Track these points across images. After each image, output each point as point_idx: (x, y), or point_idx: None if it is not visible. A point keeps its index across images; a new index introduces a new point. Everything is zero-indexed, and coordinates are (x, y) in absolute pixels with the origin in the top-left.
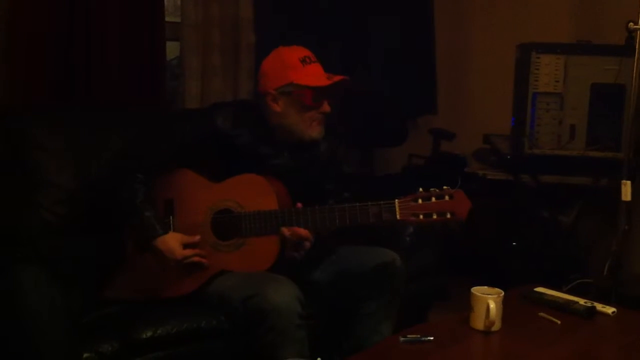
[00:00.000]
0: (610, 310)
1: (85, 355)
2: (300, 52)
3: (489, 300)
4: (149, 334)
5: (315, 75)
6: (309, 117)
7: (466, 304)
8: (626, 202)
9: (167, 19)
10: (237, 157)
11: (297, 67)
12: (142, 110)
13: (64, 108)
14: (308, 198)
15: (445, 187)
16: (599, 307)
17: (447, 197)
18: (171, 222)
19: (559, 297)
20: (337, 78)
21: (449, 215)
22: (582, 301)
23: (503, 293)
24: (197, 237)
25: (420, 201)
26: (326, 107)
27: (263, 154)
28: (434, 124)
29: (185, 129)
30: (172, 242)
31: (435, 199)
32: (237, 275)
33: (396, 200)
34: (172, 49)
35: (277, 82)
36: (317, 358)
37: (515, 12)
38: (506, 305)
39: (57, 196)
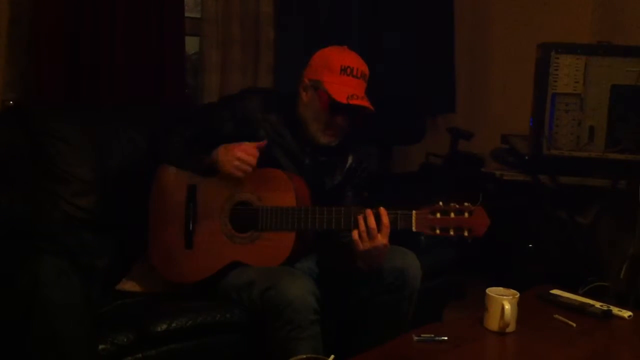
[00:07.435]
0: (626, 314)
1: (101, 346)
2: (349, 60)
3: (504, 301)
4: (164, 326)
5: (344, 88)
6: (325, 122)
7: (481, 303)
8: None
9: (187, 14)
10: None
11: (334, 71)
12: (158, 105)
13: (84, 104)
14: (325, 195)
15: (466, 204)
16: (615, 310)
17: (466, 214)
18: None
19: (574, 300)
20: (360, 102)
21: (466, 233)
22: (598, 304)
23: (518, 294)
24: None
25: (438, 215)
26: (339, 121)
27: (287, 146)
28: (453, 122)
29: (215, 113)
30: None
31: (454, 215)
32: (254, 269)
33: (414, 211)
34: (192, 44)
35: (312, 74)
36: (331, 355)
37: (535, 12)
38: (521, 306)
39: (76, 188)
